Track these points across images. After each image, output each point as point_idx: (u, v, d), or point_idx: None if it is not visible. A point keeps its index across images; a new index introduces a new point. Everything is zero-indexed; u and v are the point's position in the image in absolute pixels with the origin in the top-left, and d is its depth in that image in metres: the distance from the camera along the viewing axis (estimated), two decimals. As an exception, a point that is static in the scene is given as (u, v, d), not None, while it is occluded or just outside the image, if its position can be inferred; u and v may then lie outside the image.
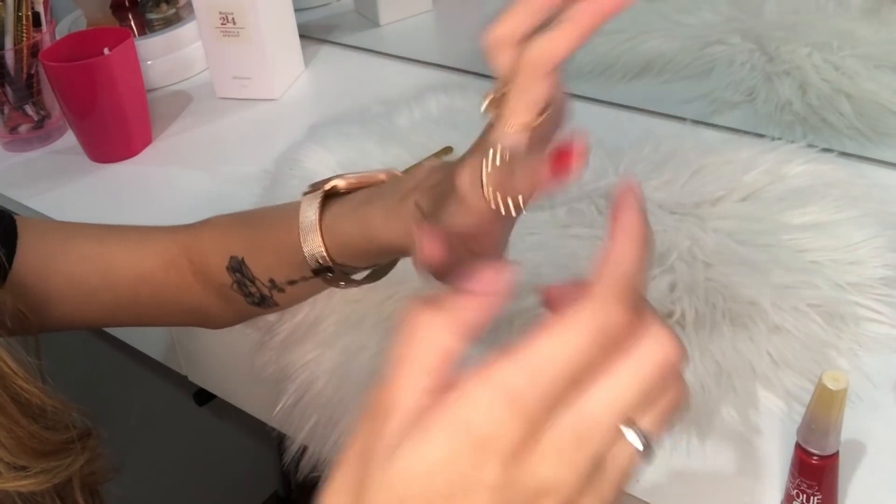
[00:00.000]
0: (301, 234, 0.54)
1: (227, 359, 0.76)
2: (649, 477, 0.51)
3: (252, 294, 0.59)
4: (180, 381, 0.85)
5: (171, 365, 0.84)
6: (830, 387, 0.43)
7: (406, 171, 0.51)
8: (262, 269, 0.58)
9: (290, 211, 0.56)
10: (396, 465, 0.28)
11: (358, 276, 0.56)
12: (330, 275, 0.55)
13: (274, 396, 0.64)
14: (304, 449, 0.62)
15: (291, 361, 0.63)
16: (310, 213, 0.54)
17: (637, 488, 0.51)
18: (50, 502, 0.47)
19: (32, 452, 0.45)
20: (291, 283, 0.57)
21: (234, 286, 0.59)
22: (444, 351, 0.29)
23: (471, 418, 0.27)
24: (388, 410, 0.28)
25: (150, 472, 1.15)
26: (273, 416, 0.65)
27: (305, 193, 0.55)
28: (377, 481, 0.28)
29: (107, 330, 0.88)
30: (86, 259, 0.59)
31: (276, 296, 0.59)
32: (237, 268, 0.58)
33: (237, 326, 0.70)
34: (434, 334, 0.29)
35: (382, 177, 0.55)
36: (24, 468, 0.45)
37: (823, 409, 0.44)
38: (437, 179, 0.49)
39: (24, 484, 0.45)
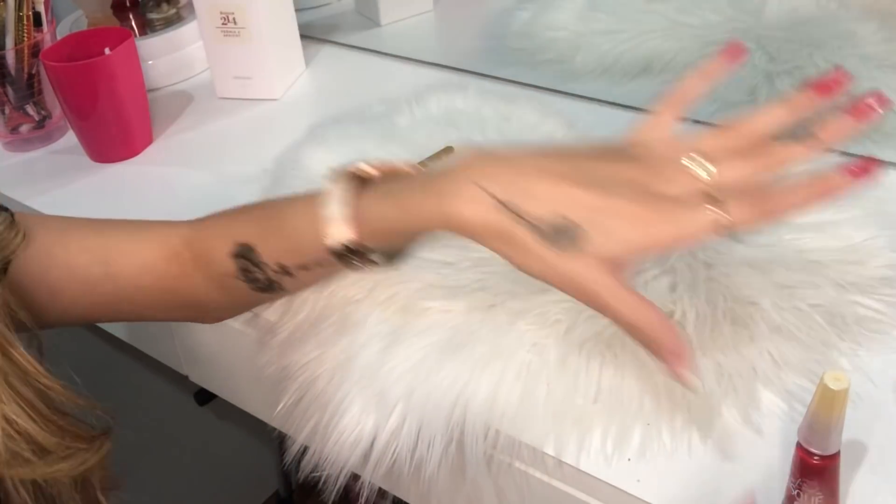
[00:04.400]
0: (325, 217, 0.53)
1: (227, 358, 0.76)
2: (650, 476, 0.51)
3: (258, 280, 0.58)
4: (181, 380, 0.85)
5: (171, 365, 0.84)
6: (832, 387, 0.43)
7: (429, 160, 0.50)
8: (272, 254, 0.57)
9: (308, 197, 0.55)
10: None
11: (379, 261, 0.55)
12: (354, 259, 0.54)
13: (275, 396, 0.64)
14: (304, 449, 0.62)
15: (292, 361, 0.63)
16: (337, 195, 0.53)
17: (638, 488, 0.51)
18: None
19: (57, 445, 0.48)
20: (304, 267, 0.57)
21: (239, 273, 0.58)
22: None
23: None
24: None
25: (150, 471, 1.15)
26: (274, 415, 0.65)
27: (328, 176, 0.54)
28: None
29: (108, 329, 0.88)
30: (86, 250, 0.59)
31: (286, 281, 0.58)
32: (243, 254, 0.58)
33: (237, 326, 0.70)
34: None
35: (408, 169, 0.54)
36: (50, 453, 0.47)
37: (825, 409, 0.44)
38: (504, 155, 0.48)
39: (54, 470, 0.47)
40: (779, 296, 0.58)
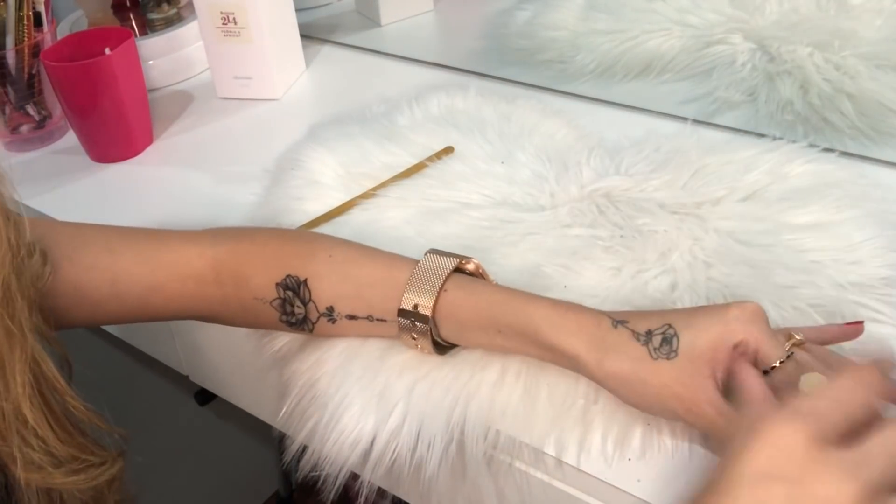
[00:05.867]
0: (414, 277, 0.55)
1: (228, 359, 0.76)
2: (651, 477, 0.51)
3: (295, 314, 0.58)
4: (181, 380, 0.85)
5: (172, 365, 0.84)
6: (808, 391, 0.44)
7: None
8: (327, 294, 0.57)
9: (395, 256, 0.57)
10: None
11: (434, 337, 0.56)
12: (413, 325, 0.55)
13: (275, 396, 0.64)
14: (304, 448, 0.62)
15: (292, 361, 0.63)
16: (440, 265, 0.55)
17: (638, 488, 0.51)
18: None
19: (71, 457, 0.50)
20: (352, 317, 0.57)
21: (276, 302, 0.58)
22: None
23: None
24: None
25: (150, 471, 1.15)
26: (274, 416, 0.65)
27: (431, 252, 0.56)
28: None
29: (108, 330, 0.89)
30: (94, 269, 0.58)
31: (322, 324, 0.58)
32: (292, 287, 0.57)
33: (238, 326, 0.70)
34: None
35: (494, 282, 0.57)
36: (63, 465, 0.49)
37: None
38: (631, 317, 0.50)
39: (65, 482, 0.49)
40: (779, 295, 0.58)
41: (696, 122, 0.80)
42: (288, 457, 0.62)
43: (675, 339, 0.47)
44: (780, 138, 0.73)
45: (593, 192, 0.69)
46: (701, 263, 0.61)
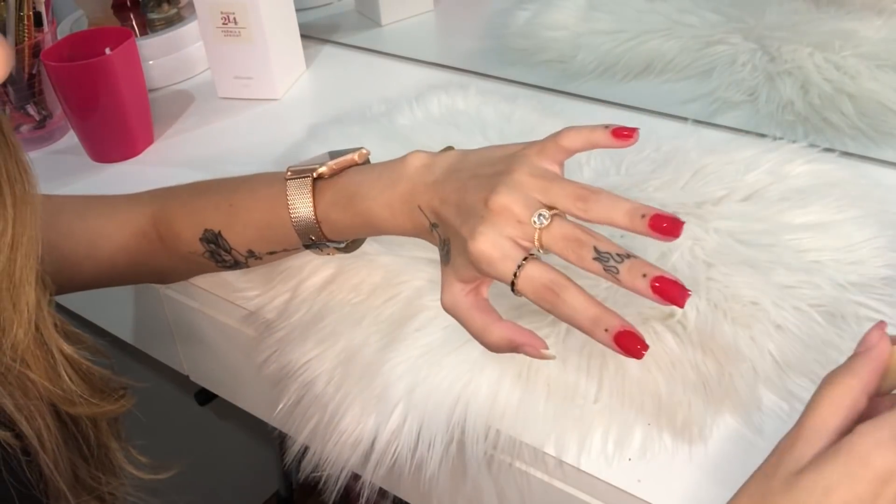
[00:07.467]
0: (293, 217, 0.58)
1: (228, 358, 0.76)
2: (652, 477, 0.51)
3: (225, 261, 0.63)
4: (182, 380, 0.85)
5: (172, 364, 0.84)
6: None
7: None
8: (241, 241, 0.62)
9: (271, 191, 0.59)
10: (801, 480, 0.39)
11: (341, 249, 0.62)
12: (318, 250, 0.60)
13: (275, 396, 0.64)
14: (305, 449, 0.62)
15: (292, 361, 0.63)
16: (304, 201, 0.58)
17: (639, 489, 0.51)
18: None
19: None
20: (272, 253, 0.62)
21: (206, 254, 0.63)
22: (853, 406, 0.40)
23: (867, 454, 0.37)
24: (799, 440, 0.40)
25: (150, 471, 1.15)
26: (274, 415, 0.65)
27: (289, 179, 0.58)
28: (781, 490, 0.39)
29: (108, 330, 0.89)
30: (72, 234, 0.63)
31: (252, 262, 0.63)
32: (212, 239, 0.62)
33: (237, 326, 0.70)
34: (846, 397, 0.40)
35: (356, 158, 0.59)
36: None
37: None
38: (435, 179, 0.53)
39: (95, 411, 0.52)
40: (779, 295, 0.58)
41: (697, 122, 0.80)
42: (289, 457, 0.62)
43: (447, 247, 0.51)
44: (781, 138, 0.73)
45: (593, 192, 0.69)
46: (701, 263, 0.61)
